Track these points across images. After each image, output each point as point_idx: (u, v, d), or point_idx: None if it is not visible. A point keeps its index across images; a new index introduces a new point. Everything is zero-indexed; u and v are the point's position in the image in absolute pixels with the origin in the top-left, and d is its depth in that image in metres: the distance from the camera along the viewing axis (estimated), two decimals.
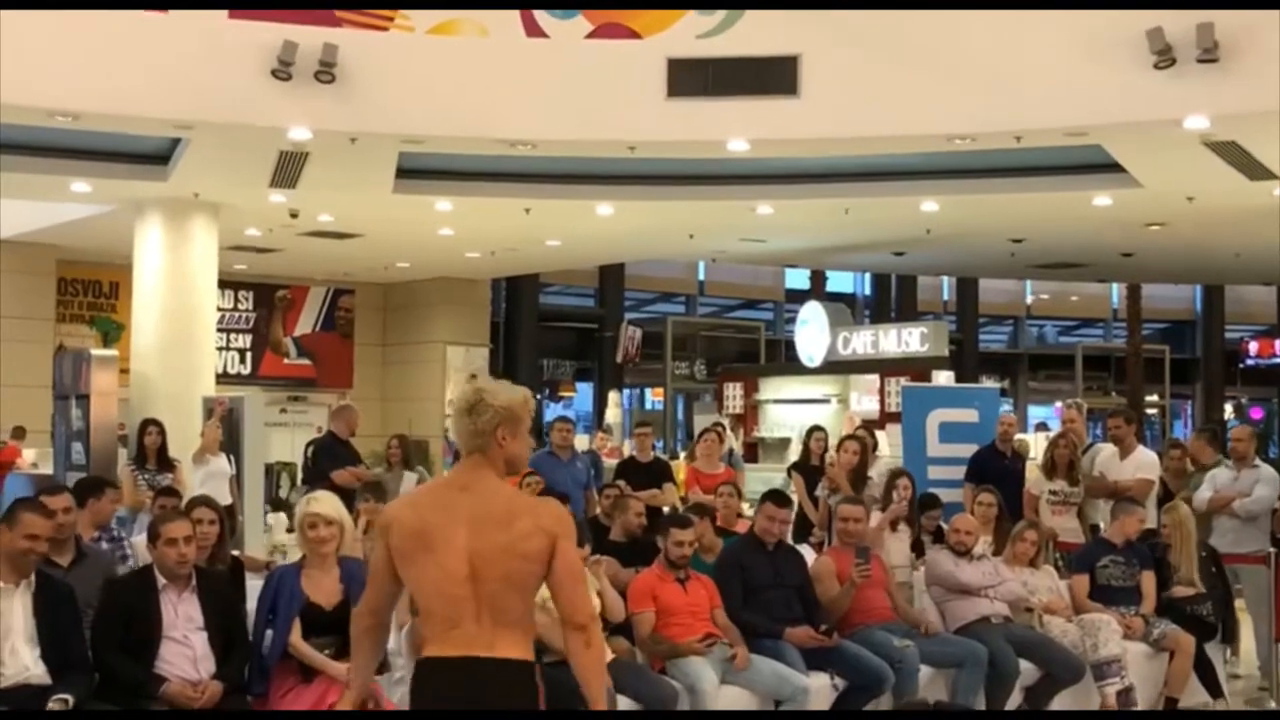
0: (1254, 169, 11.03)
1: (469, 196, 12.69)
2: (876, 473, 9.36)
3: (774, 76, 10.14)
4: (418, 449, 14.10)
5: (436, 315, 19.94)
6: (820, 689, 6.26)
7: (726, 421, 17.08)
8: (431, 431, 18.76)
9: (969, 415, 10.61)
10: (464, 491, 3.50)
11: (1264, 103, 9.21)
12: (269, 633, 5.29)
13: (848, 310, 20.38)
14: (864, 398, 16.65)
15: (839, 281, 25.55)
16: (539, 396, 23.70)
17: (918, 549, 8.10)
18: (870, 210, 13.59)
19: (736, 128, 10.42)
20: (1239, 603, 9.06)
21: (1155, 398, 24.88)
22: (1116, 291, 26.62)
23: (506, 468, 3.56)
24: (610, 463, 11.76)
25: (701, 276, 25.27)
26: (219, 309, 15.68)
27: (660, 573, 6.52)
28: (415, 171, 11.99)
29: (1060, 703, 7.12)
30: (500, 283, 22.15)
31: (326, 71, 9.73)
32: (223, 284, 15.07)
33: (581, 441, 15.00)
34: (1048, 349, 28.49)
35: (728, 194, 12.84)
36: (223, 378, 16.84)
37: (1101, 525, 8.81)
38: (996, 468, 9.84)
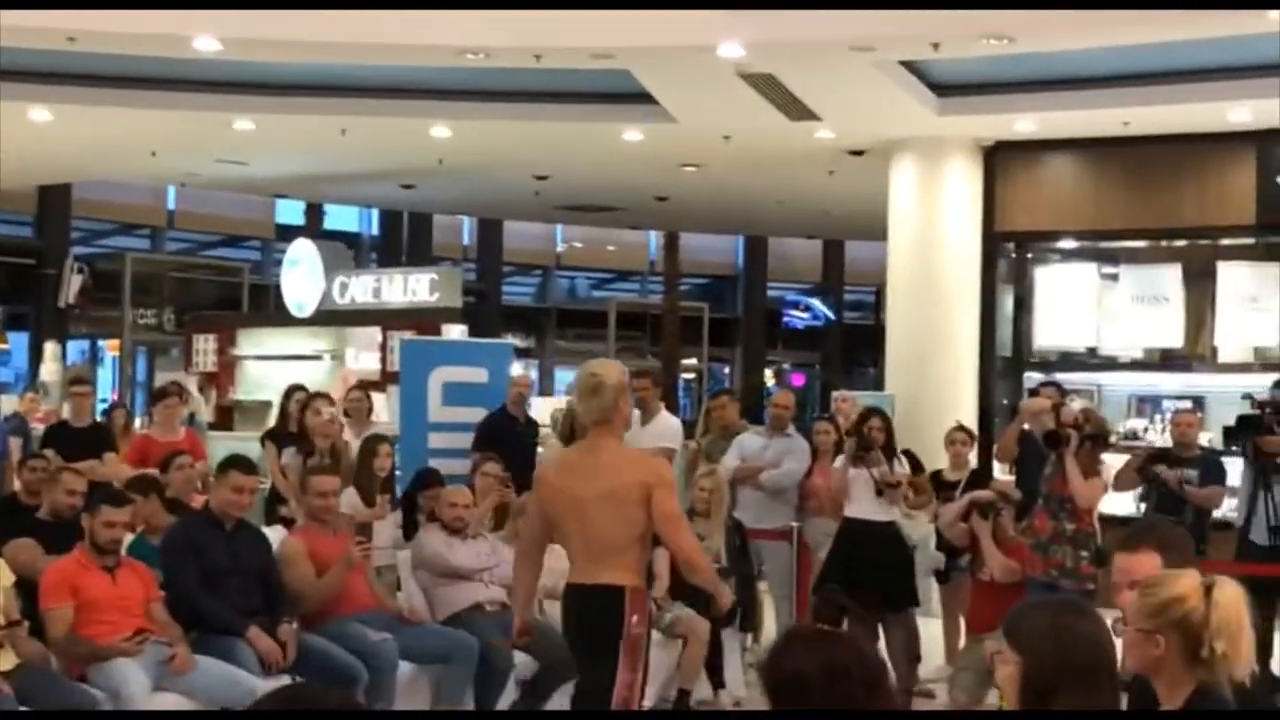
0: (794, 108, 11.89)
1: None
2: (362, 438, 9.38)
3: None
4: None
5: None
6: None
7: (194, 381, 16.59)
8: None
9: (477, 374, 10.80)
10: (588, 454, 5.48)
11: (803, 33, 9.93)
12: None
13: (348, 251, 20.26)
14: (363, 354, 16.65)
15: (341, 217, 25.32)
16: None
17: (410, 530, 8.21)
18: (372, 133, 13.58)
19: (204, 23, 10.09)
20: (761, 585, 9.83)
21: (694, 360, 26.34)
22: (655, 242, 27.92)
23: (624, 425, 5.53)
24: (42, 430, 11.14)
25: (171, 205, 24.29)
26: None
27: (83, 560, 6.27)
28: None
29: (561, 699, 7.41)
30: None
31: None
32: None
33: (8, 404, 14.16)
34: (579, 304, 29.48)
35: (197, 103, 12.46)
36: None
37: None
38: (507, 435, 10.13)
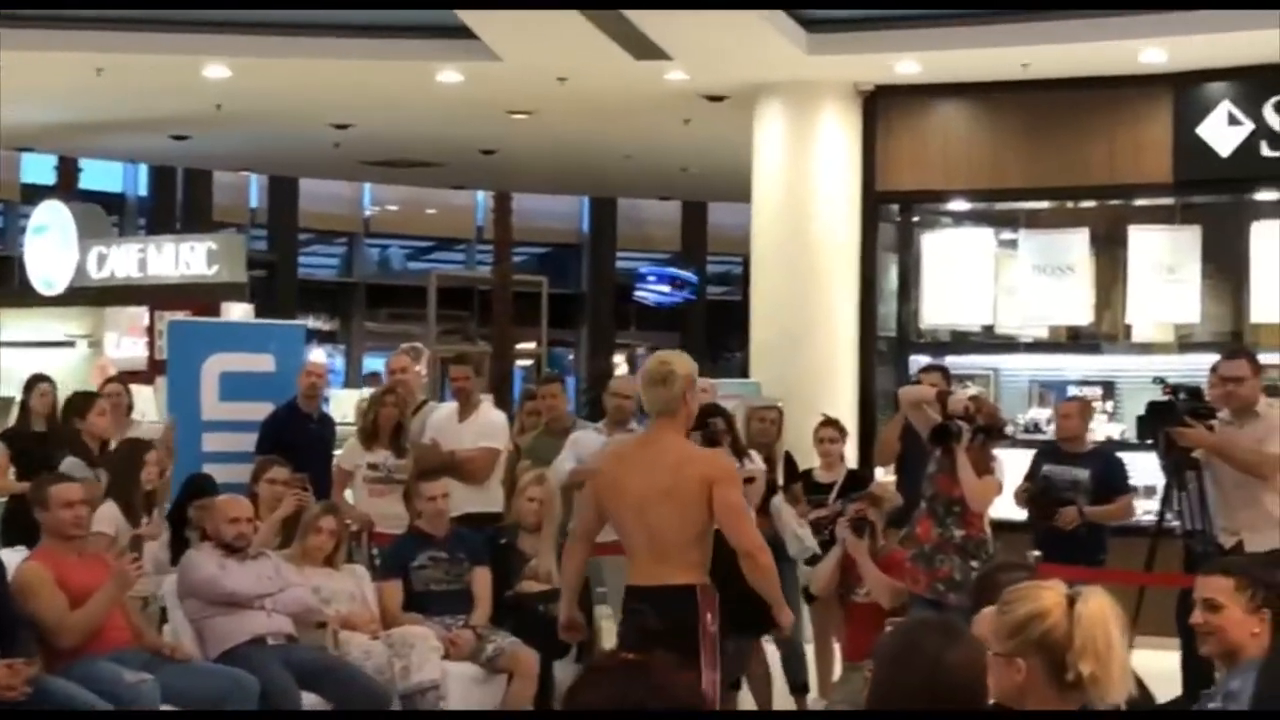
0: (639, 44, 11.92)
1: None
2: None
3: None
4: None
5: None
6: None
7: None
8: None
9: (263, 362, 10.76)
10: (648, 446, 6.23)
11: None
12: None
13: (108, 216, 19.91)
14: (125, 340, 16.38)
15: (100, 175, 24.83)
16: None
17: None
18: (135, 72, 13.35)
19: None
20: (603, 608, 9.86)
21: (531, 344, 26.34)
22: (483, 204, 27.84)
23: (690, 421, 6.32)
24: None
25: None
26: None
27: None
28: None
29: None
30: None
31: None
32: None
33: None
34: (393, 278, 29.29)
35: None
36: None
37: None
38: (298, 436, 10.10)
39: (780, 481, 9.61)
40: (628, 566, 6.30)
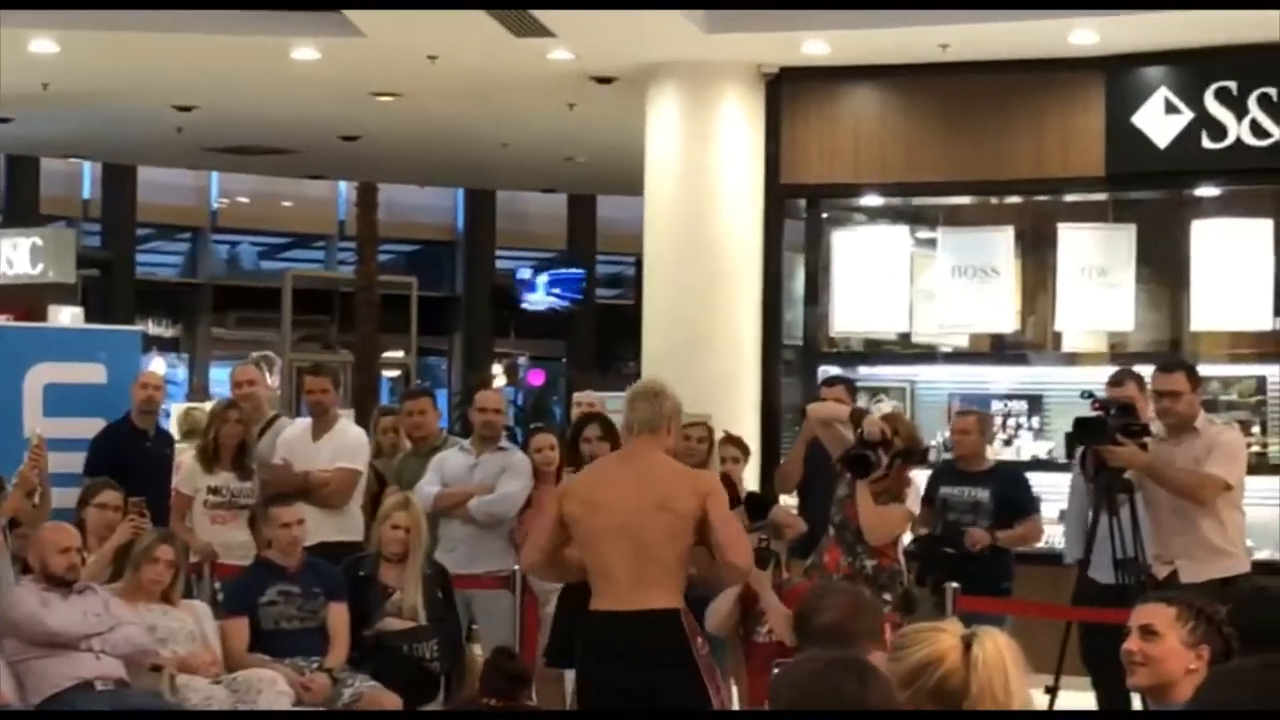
0: (519, 19, 11.93)
1: None
2: None
3: None
4: None
5: None
6: None
7: None
8: None
9: (93, 373, 10.75)
10: (629, 462, 6.76)
11: None
12: None
13: None
14: None
15: None
16: None
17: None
18: None
19: None
20: (476, 647, 9.87)
21: (400, 353, 26.22)
22: (346, 196, 27.71)
23: (671, 446, 6.78)
24: None
25: None
26: None
27: None
28: None
29: None
30: None
31: None
32: None
33: None
34: (243, 278, 29.08)
35: None
36: None
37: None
38: (134, 454, 10.09)
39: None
40: (600, 592, 6.59)
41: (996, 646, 3.33)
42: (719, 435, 10.10)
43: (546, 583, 9.33)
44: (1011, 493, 9.73)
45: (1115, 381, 9.34)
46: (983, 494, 9.60)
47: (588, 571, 6.72)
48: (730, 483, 9.65)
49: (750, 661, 8.37)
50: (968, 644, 3.32)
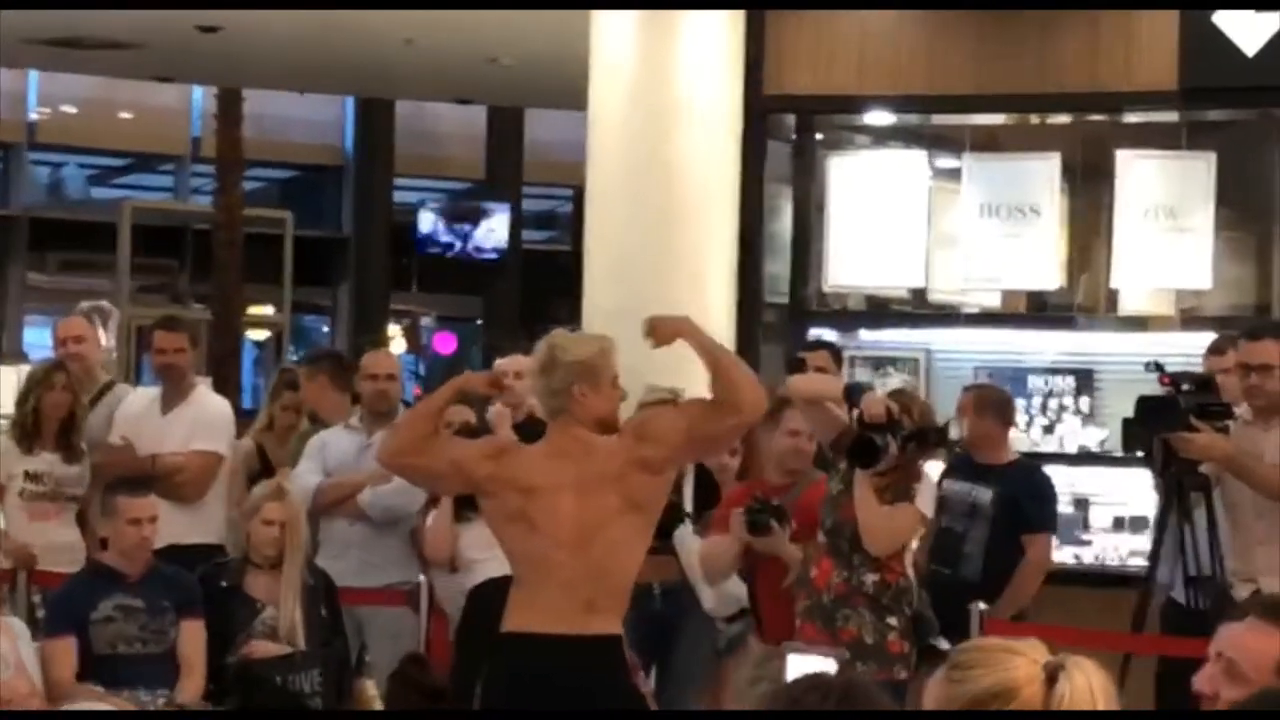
0: None
1: None
2: None
3: None
4: None
5: None
6: None
7: None
8: None
9: None
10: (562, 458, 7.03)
11: None
12: None
13: None
14: None
15: None
16: None
17: None
18: None
19: None
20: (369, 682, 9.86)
21: (269, 309, 26.20)
22: (202, 105, 27.64)
23: (598, 427, 7.00)
24: None
25: None
26: None
27: None
28: None
29: None
30: None
31: None
32: None
33: None
34: (68, 209, 29.01)
35: None
36: None
37: None
38: None
39: (689, 505, 9.58)
40: (525, 606, 6.94)
41: (1088, 683, 3.33)
42: None
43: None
44: (1021, 497, 9.63)
45: (1217, 349, 9.36)
46: (985, 495, 9.55)
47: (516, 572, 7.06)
48: (712, 482, 9.70)
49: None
50: (1052, 676, 3.31)
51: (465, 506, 8.78)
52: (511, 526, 7.04)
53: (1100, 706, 3.32)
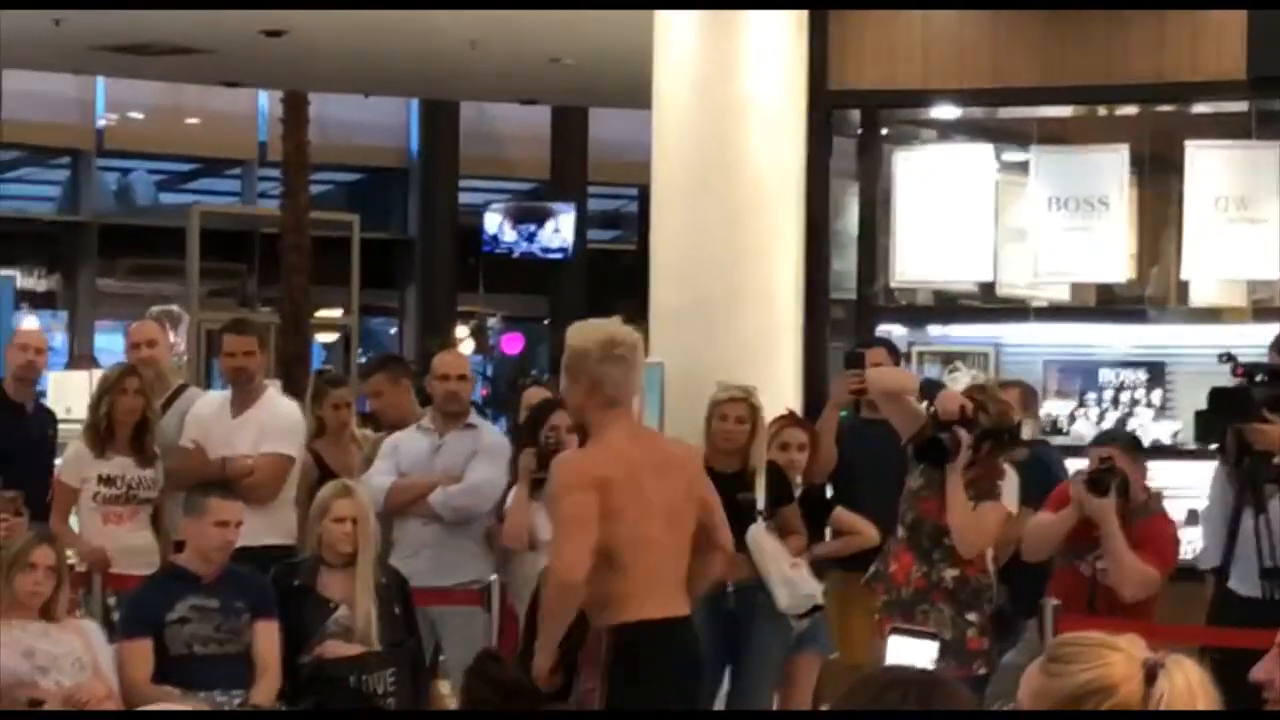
0: None
1: None
2: None
3: None
4: None
5: None
6: None
7: None
8: None
9: None
10: (638, 439, 7.37)
11: None
12: None
13: None
14: None
15: None
16: None
17: None
18: None
19: None
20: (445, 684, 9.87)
21: (338, 312, 26.23)
22: (268, 109, 27.69)
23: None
24: None
25: None
26: None
27: None
28: None
29: None
30: None
31: None
32: None
33: None
34: (137, 215, 29.07)
35: None
36: None
37: None
38: (8, 434, 10.27)
39: (760, 503, 9.50)
40: (637, 597, 7.07)
41: (1189, 682, 3.30)
42: (769, 413, 9.98)
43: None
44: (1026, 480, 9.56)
45: None
46: None
47: (616, 575, 7.08)
48: (784, 481, 9.64)
49: None
50: (1151, 673, 3.28)
51: (539, 486, 8.76)
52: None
53: (1200, 706, 3.28)
